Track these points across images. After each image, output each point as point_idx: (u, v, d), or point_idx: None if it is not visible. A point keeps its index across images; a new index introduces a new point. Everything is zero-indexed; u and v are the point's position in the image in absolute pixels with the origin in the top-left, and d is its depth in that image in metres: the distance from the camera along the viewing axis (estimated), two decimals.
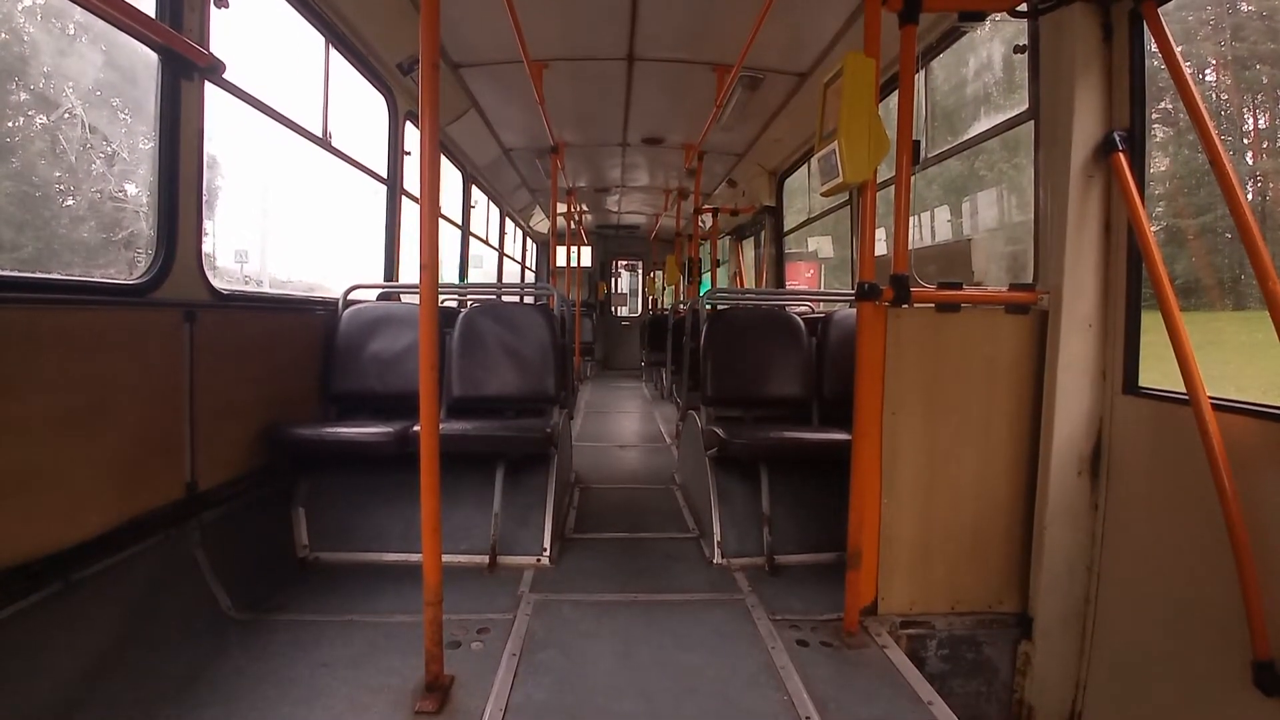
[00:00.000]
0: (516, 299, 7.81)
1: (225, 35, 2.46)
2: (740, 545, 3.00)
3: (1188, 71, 2.01)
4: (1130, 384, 2.21)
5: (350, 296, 3.51)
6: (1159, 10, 2.03)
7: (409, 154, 4.37)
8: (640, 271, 13.33)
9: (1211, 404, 1.84)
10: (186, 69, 2.28)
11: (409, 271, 4.40)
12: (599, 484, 4.28)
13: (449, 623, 2.30)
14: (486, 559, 2.86)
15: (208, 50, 2.33)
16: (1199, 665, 1.93)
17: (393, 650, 2.13)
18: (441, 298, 5.42)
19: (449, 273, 6.67)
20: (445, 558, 2.85)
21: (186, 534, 2.32)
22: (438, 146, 1.83)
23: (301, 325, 3.23)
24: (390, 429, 2.78)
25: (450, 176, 6.28)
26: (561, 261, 9.25)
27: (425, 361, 1.81)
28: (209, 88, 2.40)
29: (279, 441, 2.79)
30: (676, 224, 8.94)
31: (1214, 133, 1.89)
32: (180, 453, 2.33)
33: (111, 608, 1.94)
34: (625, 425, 6.67)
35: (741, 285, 8.51)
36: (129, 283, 2.18)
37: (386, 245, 4.31)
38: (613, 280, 13.31)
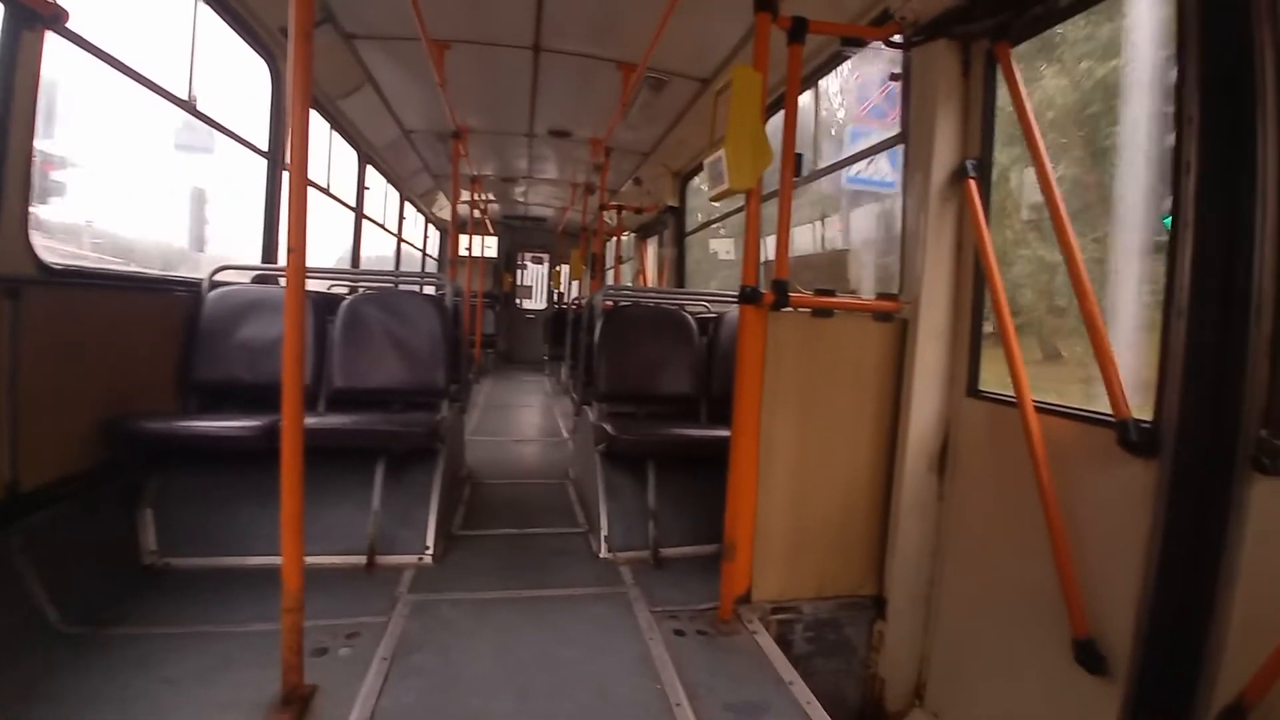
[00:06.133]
0: (414, 288, 7.52)
1: None
2: (627, 539, 3.05)
3: (1030, 108, 2.25)
4: (972, 388, 2.46)
5: (218, 277, 3.23)
6: (1011, 51, 2.27)
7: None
8: (547, 264, 13.18)
9: (1034, 406, 2.08)
10: (28, 17, 2.02)
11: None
12: (492, 479, 4.21)
13: (316, 629, 2.18)
14: (364, 559, 2.73)
15: None
16: (1026, 643, 2.11)
17: (249, 663, 1.98)
18: (329, 284, 5.12)
19: (340, 258, 6.29)
20: (319, 559, 2.72)
21: (6, 540, 2.05)
22: (307, 118, 1.72)
23: (156, 307, 2.93)
24: (257, 422, 2.58)
25: (346, 156, 5.92)
26: (465, 250, 8.98)
27: (290, 351, 1.70)
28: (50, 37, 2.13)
29: (124, 435, 2.52)
30: (583, 218, 8.91)
31: (1047, 165, 2.13)
32: None
33: None
34: (524, 419, 6.58)
35: (645, 283, 8.63)
36: None
37: (266, 224, 4.00)
38: (519, 272, 13.08)
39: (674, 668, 2.10)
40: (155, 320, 2.90)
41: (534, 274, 13.40)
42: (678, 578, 2.81)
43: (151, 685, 1.86)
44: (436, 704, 1.86)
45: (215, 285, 3.18)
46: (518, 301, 13.00)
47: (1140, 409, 1.78)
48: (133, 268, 3.23)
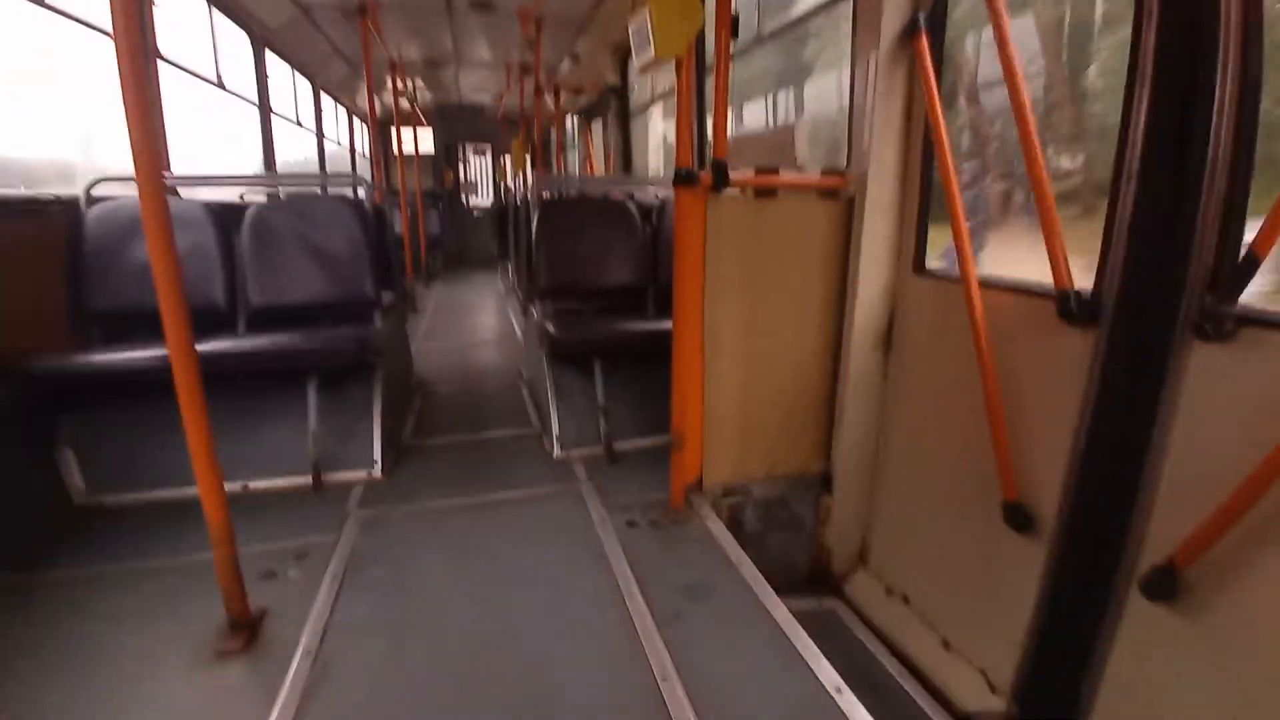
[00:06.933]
0: (345, 190, 7.01)
1: None
2: (579, 436, 3.04)
3: None
4: (919, 265, 2.40)
5: (96, 192, 2.86)
6: None
7: (158, 4, 3.50)
8: (490, 156, 12.37)
9: (978, 281, 2.03)
10: None
11: (182, 158, 3.68)
12: (444, 386, 4.12)
13: (264, 554, 2.15)
14: (310, 479, 2.67)
15: None
16: (960, 507, 2.22)
17: (197, 593, 1.94)
18: (240, 193, 4.66)
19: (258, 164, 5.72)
20: (262, 482, 2.65)
21: None
22: None
23: (26, 232, 2.60)
24: (163, 351, 2.38)
25: (239, 42, 5.20)
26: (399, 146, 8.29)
27: (161, 274, 1.51)
28: None
29: (24, 377, 2.31)
30: (520, 103, 8.24)
31: (1006, 24, 1.92)
32: None
33: None
34: (477, 321, 6.41)
35: (592, 171, 8.18)
36: None
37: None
38: (461, 166, 12.28)
39: (626, 559, 2.15)
40: (29, 246, 2.58)
41: (478, 167, 12.62)
42: (630, 471, 2.84)
43: (93, 626, 1.82)
44: (390, 613, 1.88)
45: (94, 201, 2.83)
46: (464, 198, 12.31)
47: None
48: None
